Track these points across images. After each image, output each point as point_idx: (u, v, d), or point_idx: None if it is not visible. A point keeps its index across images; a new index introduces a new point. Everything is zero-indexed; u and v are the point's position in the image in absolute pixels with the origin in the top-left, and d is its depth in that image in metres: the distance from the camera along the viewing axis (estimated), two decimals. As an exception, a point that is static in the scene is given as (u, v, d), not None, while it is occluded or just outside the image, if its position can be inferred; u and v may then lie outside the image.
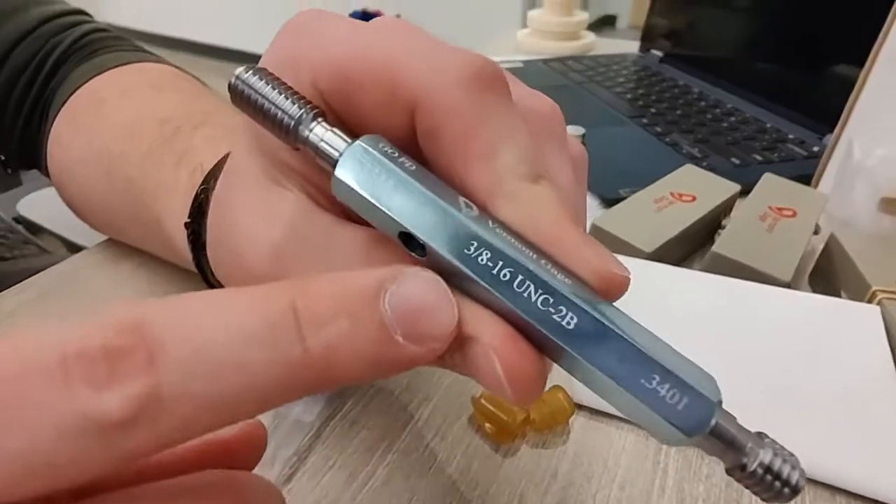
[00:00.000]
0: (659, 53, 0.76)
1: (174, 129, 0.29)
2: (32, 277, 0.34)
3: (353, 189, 0.12)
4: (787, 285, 0.29)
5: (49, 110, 0.35)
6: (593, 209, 0.43)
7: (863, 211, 0.35)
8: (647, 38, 0.80)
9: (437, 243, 0.12)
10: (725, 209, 0.38)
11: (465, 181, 0.13)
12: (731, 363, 0.26)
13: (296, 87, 0.14)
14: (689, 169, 0.41)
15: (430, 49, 0.14)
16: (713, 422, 0.12)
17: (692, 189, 0.38)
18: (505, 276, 0.12)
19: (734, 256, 0.30)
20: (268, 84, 0.13)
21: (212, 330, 0.10)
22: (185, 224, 0.24)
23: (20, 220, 0.96)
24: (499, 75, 0.14)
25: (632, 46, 0.83)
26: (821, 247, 0.34)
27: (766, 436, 0.12)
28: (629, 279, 0.13)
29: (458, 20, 2.24)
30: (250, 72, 0.13)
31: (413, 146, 0.14)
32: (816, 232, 0.36)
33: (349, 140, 0.13)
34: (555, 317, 0.12)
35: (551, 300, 0.12)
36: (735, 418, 0.12)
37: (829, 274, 0.33)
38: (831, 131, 0.42)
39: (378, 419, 0.25)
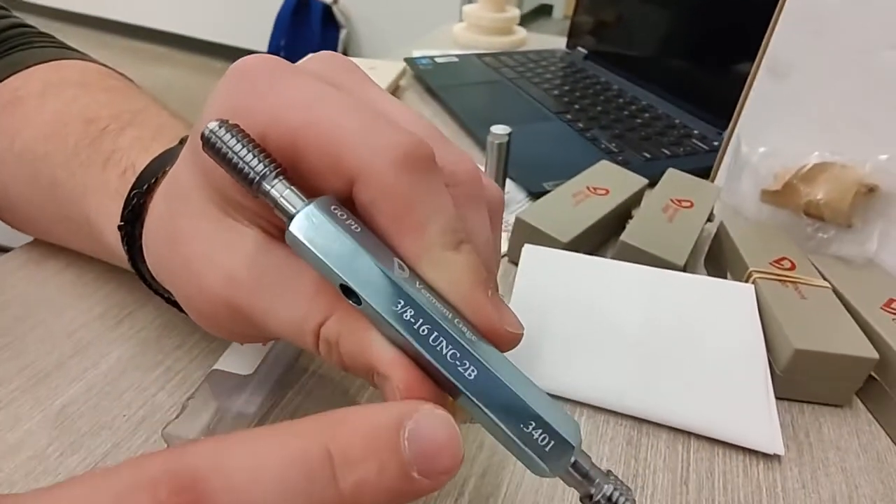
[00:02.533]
0: (584, 51, 0.81)
1: (100, 130, 0.29)
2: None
3: (303, 244, 0.15)
4: (682, 269, 0.34)
5: None
6: (520, 202, 0.46)
7: (748, 201, 0.40)
8: (574, 34, 0.84)
9: (371, 298, 0.14)
10: (635, 201, 0.42)
11: (398, 249, 0.16)
12: (631, 337, 0.29)
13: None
14: (605, 164, 0.44)
15: (370, 127, 0.16)
16: (572, 460, 0.15)
17: (606, 183, 0.42)
18: (423, 331, 0.14)
19: (638, 244, 0.34)
20: (237, 140, 0.15)
21: (259, 485, 0.11)
22: (119, 227, 0.25)
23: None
24: (428, 155, 0.16)
25: (561, 42, 0.87)
26: (714, 232, 0.39)
27: (613, 473, 0.16)
28: (521, 335, 0.16)
29: (398, 11, 2.22)
30: (222, 127, 0.15)
31: (353, 207, 0.16)
32: (711, 220, 0.41)
33: (304, 200, 0.15)
34: (459, 368, 0.14)
35: (458, 354, 0.15)
36: (589, 458, 0.15)
37: (718, 257, 0.38)
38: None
39: (319, 406, 0.27)
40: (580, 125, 0.58)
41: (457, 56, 0.77)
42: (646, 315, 0.30)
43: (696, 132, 0.58)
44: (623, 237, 0.35)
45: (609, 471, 0.16)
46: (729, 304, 0.31)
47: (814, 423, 0.28)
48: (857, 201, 0.35)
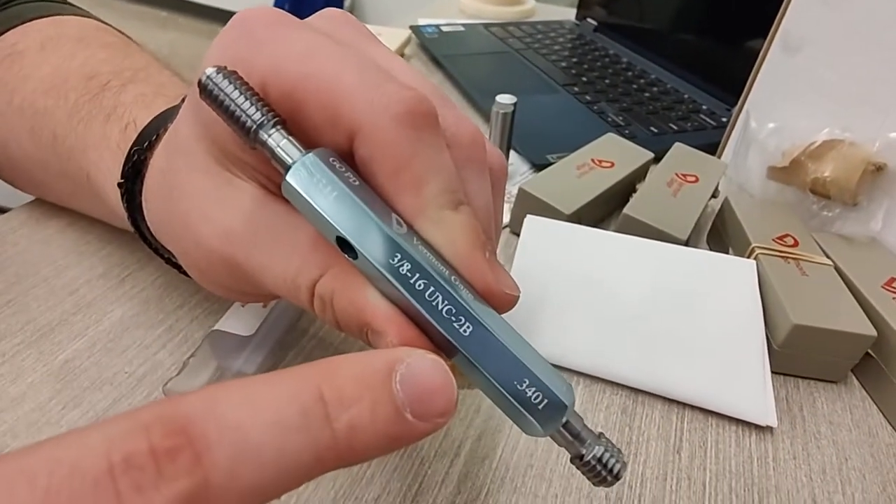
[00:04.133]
0: (593, 22, 0.79)
1: (101, 85, 0.29)
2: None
3: (299, 194, 0.14)
4: (685, 243, 0.34)
5: None
6: (523, 174, 0.46)
7: (754, 177, 0.40)
8: (583, 6, 0.82)
9: (368, 252, 0.14)
10: (640, 175, 0.42)
11: (396, 205, 0.15)
12: (630, 309, 0.30)
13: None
14: (610, 137, 0.44)
15: (372, 81, 0.15)
16: (564, 420, 0.15)
17: (611, 156, 0.41)
18: (419, 286, 0.14)
19: (641, 218, 0.34)
20: (235, 87, 0.14)
21: (253, 424, 0.11)
22: (119, 184, 0.24)
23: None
24: (430, 112, 0.15)
25: (570, 13, 0.85)
26: (718, 208, 0.39)
27: (604, 435, 0.16)
28: (517, 297, 0.16)
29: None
30: (220, 73, 0.14)
31: (352, 161, 0.16)
32: (715, 195, 0.40)
33: (302, 150, 0.14)
34: (455, 324, 0.14)
35: (454, 310, 0.14)
36: (582, 419, 0.15)
37: (721, 233, 0.38)
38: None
39: (320, 367, 0.28)
40: (587, 98, 0.57)
41: (463, 25, 0.76)
42: (646, 287, 0.30)
43: (704, 107, 0.57)
44: (626, 210, 0.35)
45: (601, 433, 0.16)
46: (729, 278, 0.31)
47: (808, 397, 0.29)
48: (864, 179, 0.35)
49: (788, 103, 0.41)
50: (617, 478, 0.15)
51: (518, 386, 0.14)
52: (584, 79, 0.62)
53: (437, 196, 0.15)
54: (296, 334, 0.29)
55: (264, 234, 0.17)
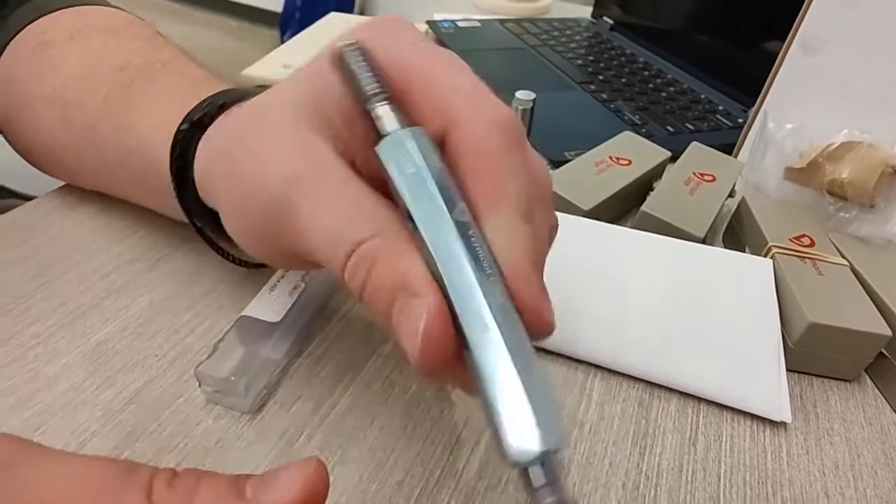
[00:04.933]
0: (610, 21, 0.79)
1: (131, 78, 0.29)
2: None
3: (386, 160, 0.16)
4: (702, 241, 0.34)
5: None
6: (541, 170, 0.46)
7: (771, 178, 0.40)
8: (600, 4, 0.82)
9: (426, 228, 0.15)
10: (657, 173, 0.42)
11: (472, 197, 0.16)
12: (647, 304, 0.30)
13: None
14: (628, 135, 0.44)
15: (480, 89, 0.17)
16: (531, 461, 0.13)
17: (629, 154, 0.42)
18: (457, 271, 0.15)
19: (659, 215, 0.35)
20: (363, 60, 0.17)
21: None
22: (180, 130, 0.25)
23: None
24: (522, 134, 0.17)
25: (586, 11, 0.85)
26: (735, 207, 0.39)
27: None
28: (553, 328, 0.16)
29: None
30: (355, 47, 0.17)
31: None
32: (732, 195, 0.41)
33: (402, 125, 0.16)
34: (474, 318, 0.14)
35: (481, 310, 0.14)
36: (558, 476, 0.14)
37: (738, 231, 0.38)
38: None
39: (342, 356, 0.28)
40: (603, 96, 0.57)
41: (479, 21, 0.76)
42: (663, 283, 0.31)
43: (721, 108, 0.57)
44: (644, 207, 0.35)
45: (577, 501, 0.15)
46: (746, 276, 0.31)
47: (822, 395, 0.29)
48: (882, 182, 0.35)
49: (807, 104, 0.41)
50: None
51: (503, 399, 0.14)
52: (601, 77, 0.62)
53: (514, 202, 0.16)
54: (321, 321, 0.30)
55: (328, 186, 0.18)
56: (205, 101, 0.25)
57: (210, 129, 0.24)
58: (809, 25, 0.41)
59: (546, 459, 0.13)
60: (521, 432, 0.13)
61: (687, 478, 0.24)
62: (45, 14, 0.34)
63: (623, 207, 0.41)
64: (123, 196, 0.34)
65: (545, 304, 0.16)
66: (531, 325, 0.15)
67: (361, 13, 2.41)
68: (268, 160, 0.19)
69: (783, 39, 0.42)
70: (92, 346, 0.27)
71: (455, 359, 0.15)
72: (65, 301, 0.29)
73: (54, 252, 0.32)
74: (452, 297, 0.15)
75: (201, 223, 0.27)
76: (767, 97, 0.45)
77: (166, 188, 0.26)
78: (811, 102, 0.41)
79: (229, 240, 0.24)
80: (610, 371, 0.29)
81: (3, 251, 0.32)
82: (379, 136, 0.16)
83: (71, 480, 0.14)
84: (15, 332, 0.27)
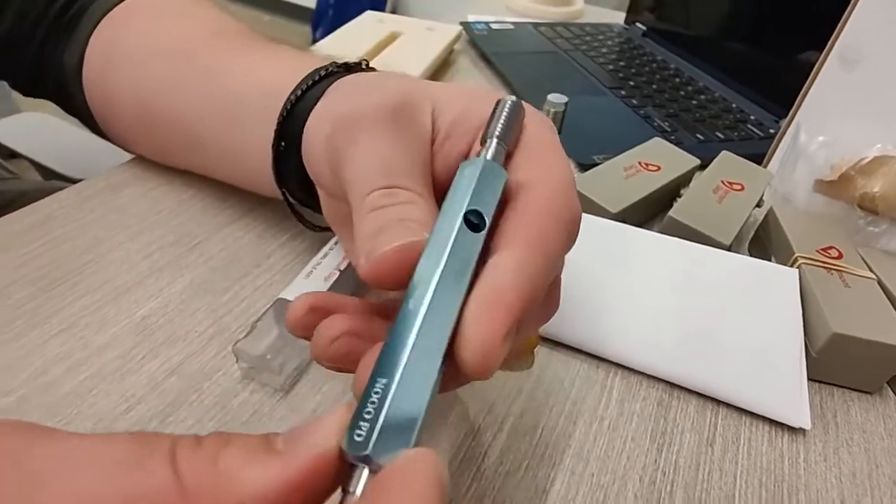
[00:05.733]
0: (642, 27, 0.79)
1: (249, 37, 0.32)
2: (39, 202, 0.36)
3: (460, 175, 0.18)
4: (728, 248, 0.34)
5: (77, 26, 0.36)
6: (569, 172, 0.47)
7: (800, 189, 0.40)
8: (633, 10, 0.83)
9: (434, 238, 0.16)
10: (685, 180, 0.43)
11: (511, 232, 0.17)
12: (671, 307, 0.31)
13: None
14: (657, 142, 0.45)
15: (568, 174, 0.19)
16: (358, 458, 0.13)
17: (658, 160, 0.42)
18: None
19: (686, 221, 0.35)
20: (510, 112, 0.20)
21: None
22: (307, 84, 0.26)
23: (-8, 145, 0.94)
24: (577, 229, 0.19)
25: (619, 17, 0.86)
26: (762, 218, 0.39)
27: None
28: (477, 374, 0.15)
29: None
30: (515, 104, 0.20)
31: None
32: (760, 205, 0.41)
33: (492, 162, 0.18)
34: (417, 297, 0.15)
35: (427, 294, 0.15)
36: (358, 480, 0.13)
37: (764, 241, 0.38)
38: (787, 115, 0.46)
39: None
40: (634, 102, 0.57)
41: (512, 24, 0.77)
42: (687, 287, 0.31)
43: (752, 118, 0.57)
44: (671, 213, 0.36)
45: None
46: (771, 284, 0.31)
47: (842, 405, 0.29)
48: (914, 197, 0.35)
49: (841, 117, 0.41)
50: None
51: (370, 396, 0.13)
52: (632, 83, 0.62)
53: (534, 251, 0.17)
54: (351, 308, 0.31)
55: (392, 138, 0.20)
56: (329, 64, 0.27)
57: (336, 86, 0.25)
58: (848, 38, 0.41)
59: (373, 462, 0.13)
60: (371, 425, 0.13)
61: (703, 476, 0.25)
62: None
63: (650, 212, 0.41)
64: (210, 144, 0.33)
65: (486, 350, 0.15)
66: (461, 360, 0.15)
67: (393, 11, 2.44)
68: (371, 89, 0.22)
69: (819, 50, 0.42)
70: (137, 319, 0.29)
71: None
72: (111, 277, 0.31)
73: (100, 232, 0.34)
74: (413, 280, 0.15)
75: (286, 175, 0.28)
76: (801, 108, 0.45)
77: (266, 132, 0.27)
78: (845, 115, 0.41)
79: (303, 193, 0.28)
80: (631, 370, 0.29)
81: (54, 229, 0.34)
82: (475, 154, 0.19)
83: (89, 462, 0.12)
84: (67, 304, 0.29)
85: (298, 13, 2.63)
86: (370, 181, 0.19)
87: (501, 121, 0.19)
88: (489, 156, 0.18)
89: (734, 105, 0.59)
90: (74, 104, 0.38)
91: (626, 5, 0.84)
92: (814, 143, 0.41)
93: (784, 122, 0.46)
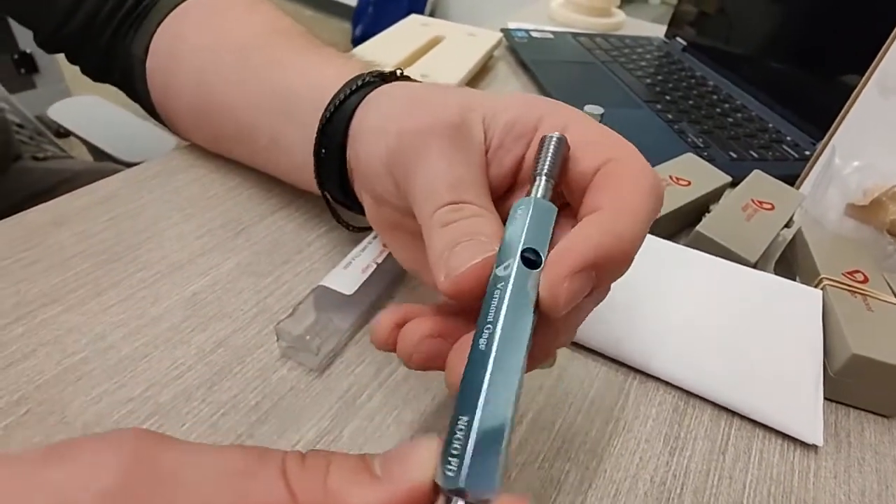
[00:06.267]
0: (682, 42, 0.79)
1: (309, 38, 0.34)
2: (99, 182, 0.38)
3: (512, 210, 0.20)
4: (753, 265, 0.35)
5: (145, 18, 0.39)
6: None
7: (831, 212, 0.41)
8: (674, 24, 0.83)
9: (501, 257, 0.18)
10: (715, 196, 0.43)
11: (595, 199, 0.19)
12: (693, 318, 0.32)
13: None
14: (690, 157, 0.45)
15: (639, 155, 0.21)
16: (451, 491, 0.14)
17: (689, 175, 0.43)
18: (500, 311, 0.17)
19: (713, 236, 0.36)
20: (556, 147, 0.21)
21: None
22: (352, 85, 0.28)
23: (46, 123, 0.99)
24: (662, 192, 0.20)
25: (659, 30, 0.86)
26: (790, 238, 0.40)
27: None
28: (557, 310, 0.17)
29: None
30: (558, 138, 0.21)
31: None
32: (789, 225, 0.41)
33: (540, 197, 0.20)
34: (479, 338, 0.17)
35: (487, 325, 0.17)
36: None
37: (790, 261, 0.39)
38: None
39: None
40: (669, 116, 0.58)
41: (552, 33, 0.78)
42: (710, 300, 0.32)
43: (788, 138, 0.57)
44: (699, 227, 0.36)
45: None
46: (794, 303, 0.32)
47: (857, 426, 0.30)
48: (945, 227, 0.35)
49: (877, 143, 0.41)
50: None
51: (455, 434, 0.15)
52: (668, 97, 0.63)
53: (619, 216, 0.19)
54: (386, 299, 0.33)
55: (470, 154, 0.22)
56: (372, 72, 0.29)
57: (388, 87, 0.27)
58: (889, 66, 0.41)
59: (468, 495, 0.14)
60: (461, 458, 0.14)
61: (713, 482, 0.26)
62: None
63: (678, 226, 0.42)
64: (257, 138, 0.35)
65: (563, 289, 0.17)
66: (542, 299, 0.17)
67: (433, 12, 2.46)
68: (431, 105, 0.23)
69: (860, 75, 0.42)
70: (188, 294, 0.31)
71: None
72: (167, 254, 0.34)
73: (157, 211, 0.37)
74: (480, 319, 0.17)
75: (326, 175, 0.30)
76: (837, 132, 0.45)
77: (310, 132, 0.29)
78: (881, 141, 0.41)
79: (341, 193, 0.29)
80: (649, 376, 0.30)
81: (115, 207, 0.36)
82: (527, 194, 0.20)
83: (211, 470, 0.14)
84: (126, 276, 0.32)
85: (339, 10, 2.67)
86: (438, 196, 0.20)
87: (549, 157, 0.20)
88: (539, 193, 0.20)
89: (771, 125, 0.59)
90: (136, 92, 0.41)
91: (667, 19, 0.84)
92: (848, 167, 0.41)
93: (820, 145, 0.46)
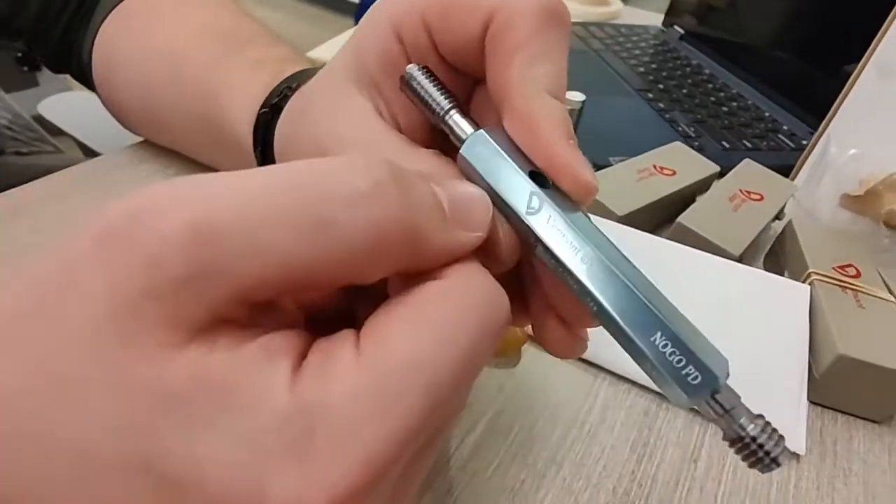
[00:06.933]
0: (680, 30, 0.77)
1: (243, 43, 0.32)
2: (59, 172, 0.37)
3: (468, 162, 0.16)
4: (738, 259, 0.33)
5: (91, 16, 0.37)
6: (583, 173, 0.46)
7: (825, 203, 0.38)
8: (672, 12, 0.80)
9: (513, 204, 0.16)
10: (702, 187, 0.41)
11: (502, 77, 0.16)
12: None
13: (409, 18, 0.18)
14: (677, 146, 0.43)
15: None
16: (710, 391, 0.14)
17: (674, 165, 0.40)
18: (553, 226, 0.15)
19: (695, 228, 0.34)
20: (429, 80, 0.18)
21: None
22: (261, 112, 0.27)
23: (38, 120, 0.98)
24: (563, 12, 0.17)
25: (657, 19, 0.83)
26: (780, 230, 0.38)
27: (763, 417, 0.14)
28: (595, 186, 0.16)
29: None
30: (419, 69, 0.18)
31: (482, 50, 0.17)
32: (780, 217, 0.39)
33: (474, 128, 0.17)
34: (587, 269, 0.15)
35: (591, 258, 0.15)
36: (738, 396, 0.14)
37: (779, 255, 0.36)
38: (819, 127, 0.44)
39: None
40: (660, 105, 0.56)
41: (546, 21, 0.75)
42: (689, 297, 0.30)
43: (784, 128, 0.54)
44: (680, 218, 0.34)
45: (760, 415, 0.14)
46: (779, 300, 0.30)
47: (844, 433, 0.28)
48: (946, 218, 0.33)
49: (873, 130, 0.39)
50: (776, 462, 0.14)
51: (654, 342, 0.14)
52: (661, 86, 0.60)
53: (542, 77, 0.16)
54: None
55: (365, 142, 0.19)
56: (282, 83, 0.27)
57: (284, 112, 0.25)
58: (887, 49, 0.38)
59: (721, 389, 0.14)
60: (686, 363, 0.14)
61: (682, 494, 0.24)
62: None
63: (661, 218, 0.40)
64: (204, 156, 0.36)
65: (588, 174, 0.15)
66: (577, 195, 0.16)
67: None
68: (322, 126, 0.20)
69: (858, 61, 0.40)
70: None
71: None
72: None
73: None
74: (551, 247, 0.15)
75: None
76: (833, 119, 0.42)
77: (248, 156, 0.28)
78: (878, 129, 0.38)
79: None
80: (620, 377, 0.28)
81: (80, 194, 0.35)
82: (457, 140, 0.17)
83: None
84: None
85: (342, 6, 2.66)
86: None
87: (433, 91, 0.17)
88: (467, 129, 0.17)
89: (767, 114, 0.57)
90: (92, 87, 0.39)
91: (665, 8, 0.81)
92: (843, 156, 0.38)
93: (816, 133, 0.44)
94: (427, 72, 0.18)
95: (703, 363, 0.14)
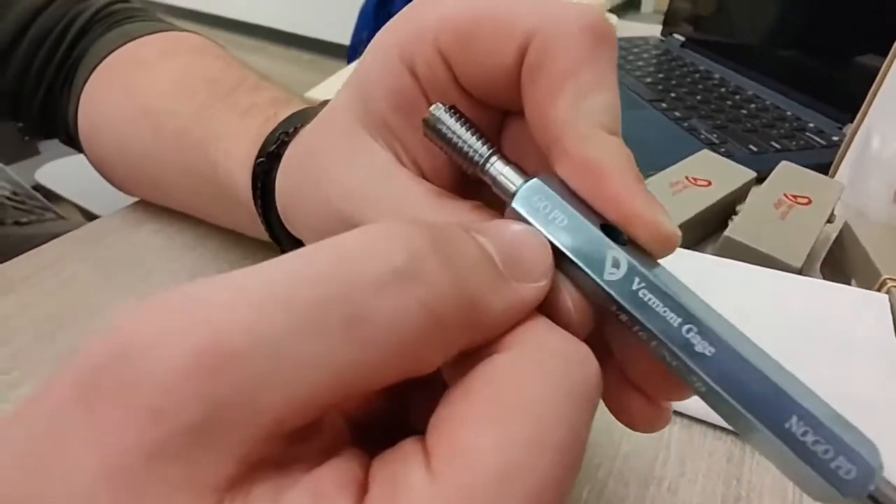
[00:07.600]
0: (680, 38, 0.75)
1: (228, 89, 0.30)
2: (50, 242, 0.35)
3: (524, 217, 0.14)
4: (799, 271, 0.30)
5: (74, 76, 0.36)
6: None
7: (877, 201, 0.35)
8: (670, 22, 0.79)
9: (587, 265, 0.13)
10: (740, 195, 0.38)
11: (550, 113, 0.14)
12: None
13: (421, 47, 0.15)
14: (706, 154, 0.41)
15: (550, 1, 0.15)
16: (871, 487, 0.11)
17: (708, 174, 0.38)
18: (645, 297, 0.13)
19: (746, 241, 0.31)
20: (460, 123, 0.15)
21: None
22: (258, 162, 0.25)
23: (38, 188, 0.98)
24: (610, 33, 0.15)
25: (654, 30, 0.82)
26: (834, 235, 0.35)
27: None
28: (678, 236, 0.14)
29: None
30: (447, 111, 0.15)
31: (499, 86, 0.15)
32: (831, 220, 0.36)
33: (524, 177, 0.14)
34: (692, 341, 0.13)
35: (690, 327, 0.13)
36: (893, 486, 0.12)
37: (840, 262, 0.33)
38: (851, 121, 0.41)
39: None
40: (677, 114, 0.54)
41: (543, 42, 0.74)
42: (754, 319, 0.27)
43: (811, 125, 0.52)
44: (728, 232, 0.31)
45: None
46: (856, 314, 0.27)
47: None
48: None
49: (920, 119, 0.36)
50: None
51: (789, 429, 0.12)
52: (673, 95, 0.58)
53: (598, 111, 0.13)
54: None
55: (386, 198, 0.16)
56: (277, 129, 0.25)
57: (283, 160, 0.23)
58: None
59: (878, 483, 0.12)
60: (836, 455, 0.11)
61: (792, 555, 0.20)
62: (133, 39, 0.35)
63: (702, 233, 0.37)
64: (201, 210, 0.34)
65: (662, 218, 0.13)
66: (655, 248, 0.13)
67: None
68: (328, 179, 0.18)
69: (879, 51, 0.38)
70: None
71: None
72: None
73: (115, 266, 0.33)
74: (648, 325, 0.13)
75: (286, 244, 0.26)
76: (869, 113, 0.40)
77: (245, 207, 0.26)
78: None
79: None
80: (692, 419, 0.25)
81: (73, 263, 0.33)
82: (504, 194, 0.15)
83: None
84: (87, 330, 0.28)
85: (335, 50, 2.70)
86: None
87: (466, 135, 0.15)
88: (514, 183, 0.14)
89: (789, 113, 0.54)
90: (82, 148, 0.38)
91: (662, 18, 0.80)
92: (888, 151, 0.36)
93: (850, 129, 0.41)
94: (455, 112, 0.15)
95: (856, 452, 0.11)
